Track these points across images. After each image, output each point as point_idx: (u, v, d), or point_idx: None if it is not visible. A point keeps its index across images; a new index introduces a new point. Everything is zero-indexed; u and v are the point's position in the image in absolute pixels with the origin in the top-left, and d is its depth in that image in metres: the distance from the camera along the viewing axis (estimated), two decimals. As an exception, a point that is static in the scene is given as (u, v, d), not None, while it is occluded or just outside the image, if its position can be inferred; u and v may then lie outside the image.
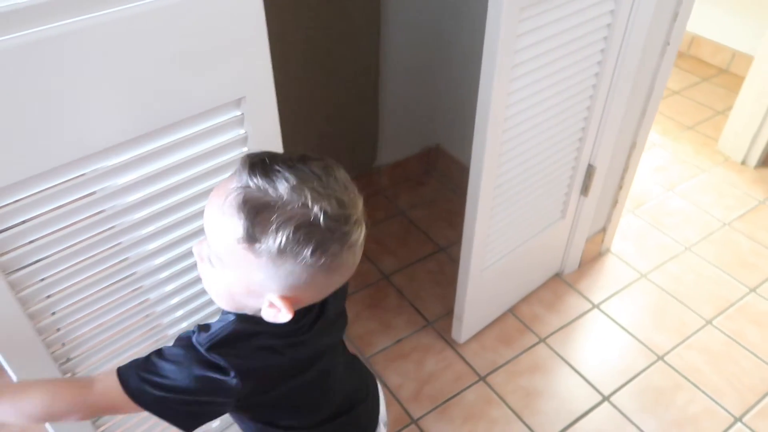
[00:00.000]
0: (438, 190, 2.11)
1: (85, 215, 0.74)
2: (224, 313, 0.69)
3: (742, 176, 2.19)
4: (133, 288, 0.85)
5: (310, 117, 1.70)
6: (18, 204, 0.68)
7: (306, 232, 0.56)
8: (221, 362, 0.64)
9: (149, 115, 0.72)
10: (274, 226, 0.55)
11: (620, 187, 1.70)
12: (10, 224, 0.69)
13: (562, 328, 1.65)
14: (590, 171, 1.53)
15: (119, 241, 0.79)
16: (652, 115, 1.56)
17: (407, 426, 1.42)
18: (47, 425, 0.86)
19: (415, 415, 1.44)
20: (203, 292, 0.92)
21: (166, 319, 0.93)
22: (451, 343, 1.60)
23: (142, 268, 0.84)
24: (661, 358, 1.58)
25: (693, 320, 1.67)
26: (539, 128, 1.26)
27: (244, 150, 0.83)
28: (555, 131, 1.31)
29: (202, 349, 0.64)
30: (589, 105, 1.35)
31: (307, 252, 0.56)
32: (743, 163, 2.24)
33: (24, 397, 0.64)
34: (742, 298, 1.74)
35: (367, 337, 1.61)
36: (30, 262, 0.72)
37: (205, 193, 0.84)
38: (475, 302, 1.51)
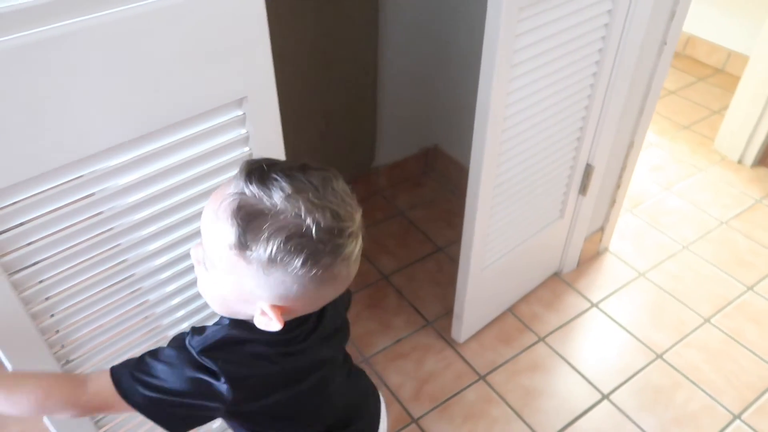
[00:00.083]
0: (436, 191, 2.11)
1: (84, 216, 0.74)
2: (221, 317, 0.69)
3: (739, 175, 2.21)
4: (132, 289, 0.85)
5: (309, 118, 1.71)
6: (17, 205, 0.68)
7: (297, 242, 0.56)
8: (212, 366, 0.64)
9: (151, 116, 0.72)
10: (265, 235, 0.55)
11: (618, 187, 1.71)
12: (8, 226, 0.69)
13: (561, 327, 1.66)
14: (588, 170, 1.53)
15: (118, 243, 0.79)
16: (650, 114, 1.56)
17: (408, 425, 1.42)
18: (49, 425, 0.86)
19: (416, 414, 1.44)
20: (202, 293, 0.92)
21: (166, 320, 0.93)
22: (450, 343, 1.60)
23: (141, 269, 0.84)
24: (660, 356, 1.58)
25: (691, 318, 1.68)
26: (538, 128, 1.27)
27: (246, 150, 0.84)
28: (553, 131, 1.32)
29: (194, 352, 0.64)
30: (587, 104, 1.36)
31: (298, 262, 0.56)
32: (740, 162, 2.25)
33: (17, 391, 0.64)
34: (739, 297, 1.75)
35: (366, 337, 1.61)
36: (28, 264, 0.72)
37: (206, 194, 0.84)
38: (475, 301, 1.51)
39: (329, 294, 0.64)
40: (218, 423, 1.13)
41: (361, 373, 0.90)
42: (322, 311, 0.71)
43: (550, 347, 1.60)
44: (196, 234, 0.86)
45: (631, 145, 1.61)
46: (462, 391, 1.49)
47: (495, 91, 1.08)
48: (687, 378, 1.53)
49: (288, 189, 0.56)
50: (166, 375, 0.65)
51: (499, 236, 1.43)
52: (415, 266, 1.82)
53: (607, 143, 1.50)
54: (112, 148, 0.71)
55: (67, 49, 0.62)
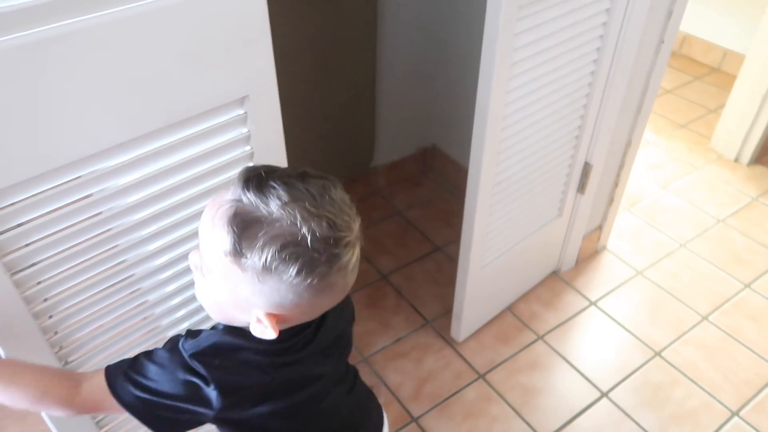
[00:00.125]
0: (435, 190, 2.12)
1: (84, 216, 0.74)
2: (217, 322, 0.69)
3: (735, 173, 2.22)
4: (132, 290, 0.84)
5: (308, 118, 1.71)
6: (17, 206, 0.68)
7: (292, 251, 0.55)
8: (202, 371, 0.63)
9: (151, 115, 0.72)
10: (260, 243, 0.55)
11: (616, 185, 1.72)
12: (7, 226, 0.68)
13: (559, 325, 1.66)
14: (587, 169, 1.54)
15: (117, 243, 0.79)
16: (647, 112, 1.57)
17: (407, 425, 1.42)
18: (50, 425, 0.86)
19: (415, 413, 1.44)
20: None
21: (166, 321, 0.92)
22: (450, 342, 1.61)
23: (141, 270, 0.84)
24: (658, 354, 1.59)
25: (689, 316, 1.69)
26: (537, 126, 1.27)
27: (247, 149, 0.84)
28: (552, 129, 1.32)
29: (185, 355, 0.64)
30: (585, 103, 1.37)
31: (293, 271, 0.56)
32: (736, 160, 2.26)
33: (15, 384, 0.64)
34: (737, 294, 1.75)
35: (366, 337, 1.61)
36: (26, 265, 0.72)
37: (206, 193, 0.84)
38: (474, 300, 1.52)
39: (326, 303, 0.64)
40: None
41: (366, 393, 0.88)
42: (321, 322, 0.71)
43: (549, 346, 1.61)
44: (196, 234, 0.86)
45: (628, 144, 1.62)
46: (461, 389, 1.50)
47: (494, 90, 1.09)
48: (685, 375, 1.53)
49: (285, 197, 0.56)
50: (158, 376, 0.65)
51: (498, 235, 1.43)
52: (414, 266, 1.83)
53: (605, 142, 1.50)
54: (113, 147, 0.71)
55: (66, 49, 0.62)
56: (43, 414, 0.83)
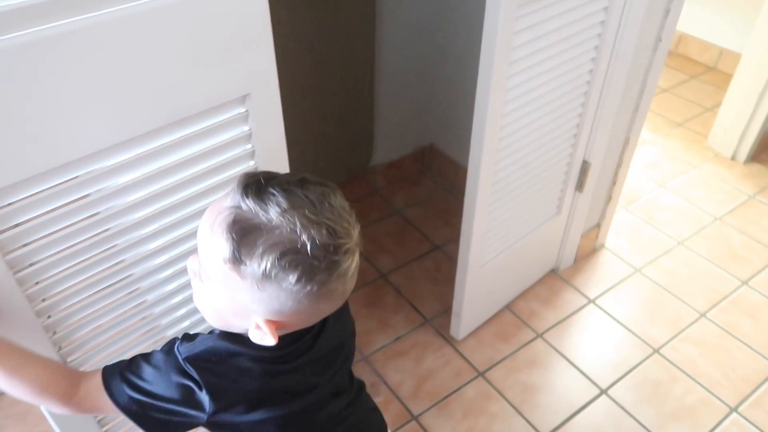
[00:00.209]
0: (433, 189, 2.12)
1: (83, 215, 0.74)
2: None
3: (732, 171, 2.23)
4: (130, 290, 0.84)
5: (306, 118, 1.71)
6: (15, 205, 0.67)
7: (291, 258, 0.55)
8: (195, 375, 0.64)
9: (153, 113, 0.72)
10: (260, 250, 0.55)
11: (614, 183, 1.72)
12: (5, 226, 0.68)
13: (558, 323, 1.67)
14: (585, 167, 1.54)
15: (116, 243, 0.79)
16: (645, 111, 1.58)
17: (407, 423, 1.43)
18: (52, 425, 0.86)
19: (415, 411, 1.45)
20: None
21: (165, 320, 0.92)
22: (449, 340, 1.61)
23: (139, 269, 0.83)
24: (656, 350, 1.60)
25: (687, 313, 1.70)
26: (535, 124, 1.28)
27: (248, 147, 0.84)
28: (551, 127, 1.33)
29: (180, 358, 0.64)
30: (583, 101, 1.37)
31: (292, 278, 0.56)
32: (733, 158, 2.28)
33: (18, 375, 0.65)
34: (734, 291, 1.76)
35: (365, 336, 1.61)
36: (24, 265, 0.71)
37: (207, 192, 0.84)
38: (474, 298, 1.52)
39: (325, 309, 0.64)
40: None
41: (370, 408, 0.87)
42: (321, 330, 0.71)
43: (548, 343, 1.61)
44: (195, 233, 0.86)
45: (626, 142, 1.63)
46: (461, 387, 1.50)
47: (494, 88, 1.09)
48: (684, 372, 1.54)
49: (284, 204, 0.56)
50: (153, 378, 0.65)
51: (498, 233, 1.44)
52: (413, 264, 1.83)
53: (604, 140, 1.51)
54: (113, 146, 0.71)
55: (66, 48, 0.61)
56: (45, 413, 0.83)
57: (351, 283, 0.62)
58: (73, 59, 0.62)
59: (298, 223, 0.55)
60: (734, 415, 1.45)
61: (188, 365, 0.64)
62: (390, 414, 1.44)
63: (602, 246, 1.91)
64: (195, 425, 0.67)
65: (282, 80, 0.81)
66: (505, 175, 1.31)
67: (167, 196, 0.81)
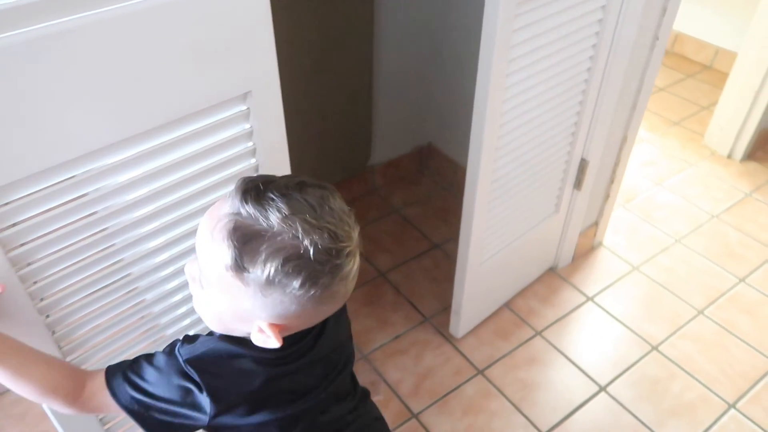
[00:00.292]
0: (431, 188, 2.12)
1: (84, 213, 0.74)
2: None
3: (729, 169, 2.24)
4: (129, 289, 0.84)
5: (305, 117, 1.71)
6: (14, 204, 0.67)
7: (295, 264, 0.55)
8: (196, 377, 0.64)
9: (155, 111, 0.72)
10: (262, 257, 0.55)
11: (612, 181, 1.73)
12: (4, 225, 0.68)
13: (557, 321, 1.67)
14: (583, 165, 1.55)
15: (114, 242, 0.79)
16: (642, 109, 1.58)
17: (407, 421, 1.43)
18: (54, 422, 0.86)
19: (415, 409, 1.45)
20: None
21: (164, 319, 0.92)
22: (448, 338, 1.61)
23: (137, 269, 0.83)
24: (655, 348, 1.60)
25: (685, 310, 1.70)
26: (534, 122, 1.28)
27: (249, 145, 0.84)
28: (549, 125, 1.33)
29: (181, 360, 0.65)
30: (581, 99, 1.38)
31: (296, 284, 0.56)
32: (729, 156, 2.29)
33: (25, 375, 0.65)
34: (732, 288, 1.77)
35: (365, 334, 1.62)
36: (22, 265, 0.71)
37: (208, 189, 0.84)
38: (473, 297, 1.52)
39: (327, 311, 0.64)
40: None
41: (374, 416, 0.86)
42: (321, 332, 0.71)
43: (547, 341, 1.62)
44: (194, 232, 0.86)
45: (624, 140, 1.63)
46: (461, 385, 1.50)
47: (493, 86, 1.10)
48: (682, 369, 1.55)
49: (285, 209, 0.56)
50: (155, 379, 0.65)
51: (497, 231, 1.44)
52: (412, 263, 1.83)
53: (601, 138, 1.52)
54: (114, 144, 0.71)
55: (65, 47, 0.61)
56: (48, 411, 0.83)
57: (352, 284, 0.63)
58: (71, 58, 0.62)
59: (299, 229, 0.55)
60: (732, 411, 1.46)
61: (189, 367, 0.64)
62: (390, 412, 1.44)
63: (600, 244, 1.92)
64: (197, 427, 0.67)
65: (281, 80, 0.81)
66: (504, 173, 1.31)
67: (167, 195, 0.81)
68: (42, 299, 0.75)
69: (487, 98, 1.11)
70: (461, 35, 1.78)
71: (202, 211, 0.83)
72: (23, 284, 0.72)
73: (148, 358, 0.67)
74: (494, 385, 1.50)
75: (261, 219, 0.56)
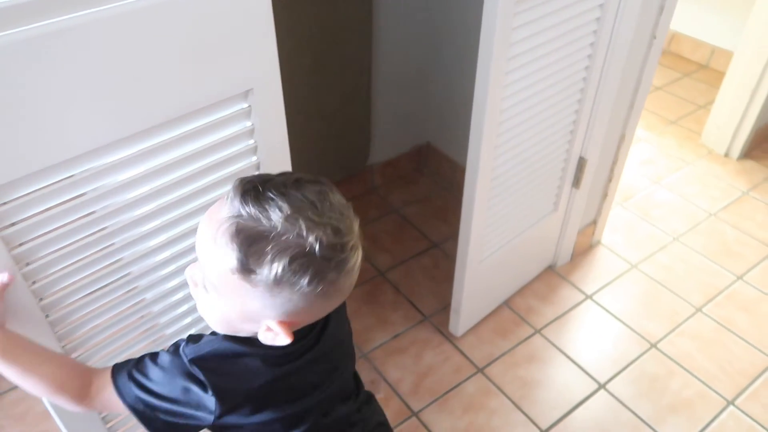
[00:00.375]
0: (430, 187, 2.13)
1: (85, 212, 0.74)
2: None
3: (726, 168, 2.25)
4: (128, 288, 0.84)
5: (304, 117, 1.71)
6: (13, 203, 0.67)
7: (302, 262, 0.56)
8: (201, 377, 0.64)
9: (156, 109, 0.72)
10: (269, 257, 0.55)
11: (610, 180, 1.74)
12: (7, 223, 0.68)
13: (556, 319, 1.68)
14: (581, 163, 1.56)
15: (114, 241, 0.79)
16: (640, 108, 1.59)
17: (408, 419, 1.43)
18: (57, 420, 0.86)
19: (415, 408, 1.45)
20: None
21: (164, 318, 0.92)
22: (448, 337, 1.62)
23: (137, 268, 0.83)
24: (654, 345, 1.61)
25: (683, 308, 1.71)
26: (533, 120, 1.29)
27: (251, 142, 0.84)
28: (548, 123, 1.34)
29: (185, 360, 0.65)
30: (580, 97, 1.38)
31: (304, 281, 0.56)
32: (726, 155, 2.30)
33: (33, 373, 0.65)
34: (729, 286, 1.78)
35: (364, 333, 1.62)
36: (21, 264, 0.71)
37: (209, 188, 0.84)
38: (472, 295, 1.53)
39: (333, 304, 0.65)
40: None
41: (379, 420, 0.86)
42: (323, 329, 0.71)
43: (547, 339, 1.62)
44: (195, 230, 0.85)
45: (622, 138, 1.64)
46: (460, 384, 1.51)
47: (492, 84, 1.10)
48: (681, 366, 1.56)
49: (286, 209, 0.56)
50: (159, 379, 0.65)
51: (496, 229, 1.45)
52: (411, 262, 1.84)
53: (600, 136, 1.52)
54: (115, 142, 0.71)
55: (65, 46, 0.61)
56: (50, 409, 0.83)
57: (355, 276, 0.63)
58: (71, 57, 0.62)
59: (303, 226, 0.56)
60: (731, 408, 1.46)
61: (194, 367, 0.64)
62: (390, 410, 1.44)
63: (598, 242, 1.92)
64: (201, 427, 0.67)
65: (280, 79, 0.81)
66: (503, 170, 1.31)
67: (168, 193, 0.80)
68: (42, 299, 0.75)
69: (486, 96, 1.11)
70: (460, 34, 1.79)
71: (203, 209, 0.83)
72: (24, 282, 0.72)
73: (153, 357, 0.67)
74: (494, 383, 1.51)
75: (263, 219, 0.56)
